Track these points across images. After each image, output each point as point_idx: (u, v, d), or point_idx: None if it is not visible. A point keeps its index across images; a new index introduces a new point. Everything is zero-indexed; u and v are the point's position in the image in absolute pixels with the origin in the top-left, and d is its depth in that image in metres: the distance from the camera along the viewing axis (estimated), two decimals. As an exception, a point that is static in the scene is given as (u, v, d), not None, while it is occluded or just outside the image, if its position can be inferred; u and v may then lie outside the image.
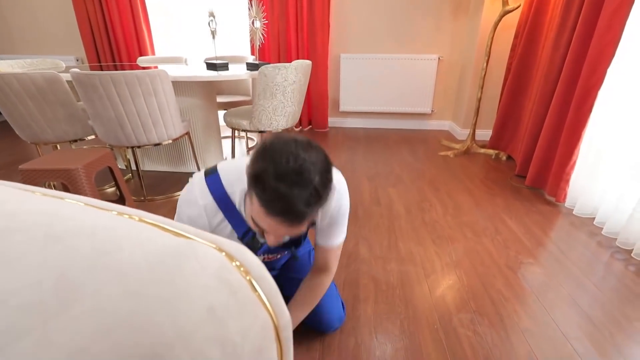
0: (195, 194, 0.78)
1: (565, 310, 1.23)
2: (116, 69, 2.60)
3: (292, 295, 0.98)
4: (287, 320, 0.29)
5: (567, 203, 1.94)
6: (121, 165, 2.52)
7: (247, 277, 0.28)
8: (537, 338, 1.11)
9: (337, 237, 0.94)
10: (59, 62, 2.72)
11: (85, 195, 1.41)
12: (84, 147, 1.90)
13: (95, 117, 1.76)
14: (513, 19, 2.57)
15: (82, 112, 1.98)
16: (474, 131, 2.79)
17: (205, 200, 0.78)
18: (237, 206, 0.79)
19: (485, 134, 3.00)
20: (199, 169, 2.32)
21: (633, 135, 1.63)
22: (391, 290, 1.30)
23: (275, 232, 0.67)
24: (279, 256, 1.01)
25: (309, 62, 2.13)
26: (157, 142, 1.88)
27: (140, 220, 0.34)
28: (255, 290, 0.28)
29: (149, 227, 0.33)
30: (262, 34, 2.28)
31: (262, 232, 0.71)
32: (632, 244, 1.53)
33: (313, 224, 0.92)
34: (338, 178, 0.85)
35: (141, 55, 3.45)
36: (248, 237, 0.84)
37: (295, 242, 0.94)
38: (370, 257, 1.51)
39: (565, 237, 1.68)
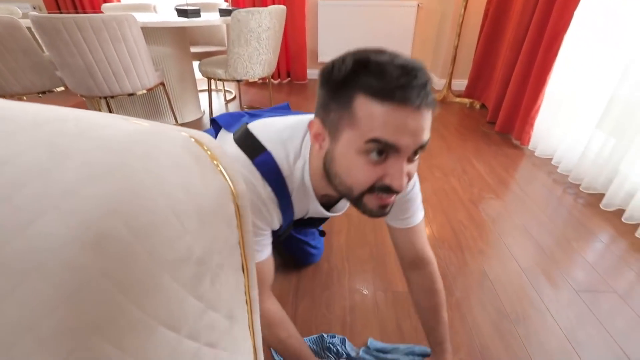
0: (250, 182, 0.58)
1: (516, 236, 1.38)
2: (80, 17, 2.46)
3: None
4: (243, 190, 0.36)
5: (531, 146, 2.07)
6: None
7: (208, 152, 0.34)
8: (489, 257, 1.26)
9: (421, 210, 0.77)
10: (14, 8, 2.54)
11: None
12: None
13: (62, 66, 1.71)
14: (492, -38, 2.52)
15: (48, 62, 1.91)
16: (450, 81, 2.83)
17: (266, 191, 0.60)
18: (292, 196, 0.65)
19: (461, 83, 3.05)
20: (176, 122, 2.32)
21: (591, 81, 1.72)
22: (362, 224, 1.42)
23: (408, 135, 0.47)
24: None
25: (283, 7, 2.08)
26: (131, 91, 1.85)
27: (121, 118, 0.39)
28: (215, 162, 0.35)
29: (125, 119, 0.38)
30: (234, -23, 2.17)
31: (377, 184, 0.51)
32: (582, 179, 1.68)
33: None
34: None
35: (105, 2, 3.23)
36: (286, 228, 0.72)
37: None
38: (345, 198, 1.61)
39: (526, 176, 1.82)
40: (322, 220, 0.87)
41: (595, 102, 1.68)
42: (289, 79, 3.49)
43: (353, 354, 0.92)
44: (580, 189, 1.67)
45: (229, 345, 0.41)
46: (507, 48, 2.25)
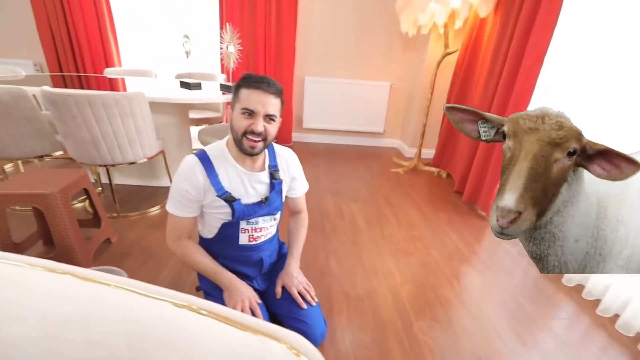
0: (189, 161, 1.01)
1: (494, 308, 1.39)
2: (81, 80, 2.39)
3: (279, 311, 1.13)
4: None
5: (495, 217, 2.17)
6: (90, 178, 2.31)
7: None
8: (474, 334, 1.25)
9: (304, 187, 1.25)
10: (18, 69, 2.44)
11: (62, 220, 1.29)
12: (48, 162, 1.72)
13: (67, 135, 1.62)
14: (452, 60, 2.80)
15: (49, 126, 1.80)
16: (420, 151, 2.99)
17: (195, 159, 1.01)
18: (215, 168, 1.01)
19: (428, 152, 3.24)
20: (171, 182, 2.22)
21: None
22: (360, 304, 1.38)
23: (259, 104, 0.92)
24: (263, 233, 1.12)
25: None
26: (133, 160, 1.77)
27: (227, 330, 0.35)
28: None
29: (214, 321, 0.34)
30: (237, 59, 2.24)
31: (247, 130, 0.94)
32: (544, 253, 1.77)
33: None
34: (292, 152, 1.20)
35: (107, 65, 3.18)
36: (225, 194, 1.01)
37: (271, 186, 1.11)
38: (340, 271, 1.57)
39: (494, 247, 1.89)
40: (265, 203, 1.08)
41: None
42: (276, 141, 3.53)
43: None
44: (543, 262, 1.75)
45: None
46: (469, 131, 2.44)
